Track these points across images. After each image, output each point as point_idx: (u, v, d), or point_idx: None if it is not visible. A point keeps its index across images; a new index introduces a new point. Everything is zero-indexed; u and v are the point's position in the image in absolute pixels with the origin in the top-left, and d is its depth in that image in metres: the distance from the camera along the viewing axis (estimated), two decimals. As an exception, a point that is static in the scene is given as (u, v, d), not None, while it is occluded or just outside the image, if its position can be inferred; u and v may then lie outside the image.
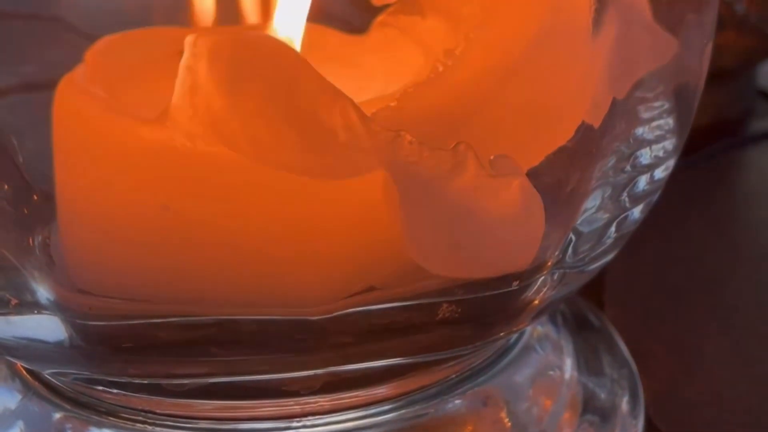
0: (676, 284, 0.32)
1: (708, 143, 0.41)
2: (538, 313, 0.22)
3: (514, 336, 0.24)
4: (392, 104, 0.19)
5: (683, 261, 0.34)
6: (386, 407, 0.22)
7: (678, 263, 0.33)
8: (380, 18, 0.25)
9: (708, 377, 0.27)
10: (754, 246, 0.35)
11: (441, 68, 0.20)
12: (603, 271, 0.30)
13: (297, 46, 0.22)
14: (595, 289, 0.30)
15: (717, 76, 0.43)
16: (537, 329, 0.25)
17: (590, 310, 0.28)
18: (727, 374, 0.28)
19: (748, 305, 0.31)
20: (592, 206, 0.21)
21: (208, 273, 0.19)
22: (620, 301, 0.30)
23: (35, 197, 0.21)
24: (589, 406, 0.24)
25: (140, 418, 0.22)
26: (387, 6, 0.24)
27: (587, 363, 0.25)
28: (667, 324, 0.30)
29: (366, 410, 0.22)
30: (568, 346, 0.25)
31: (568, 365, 0.25)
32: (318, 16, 0.24)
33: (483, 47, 0.20)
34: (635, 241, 0.25)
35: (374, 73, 0.24)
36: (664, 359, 0.28)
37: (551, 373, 0.24)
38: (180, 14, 0.25)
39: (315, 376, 0.20)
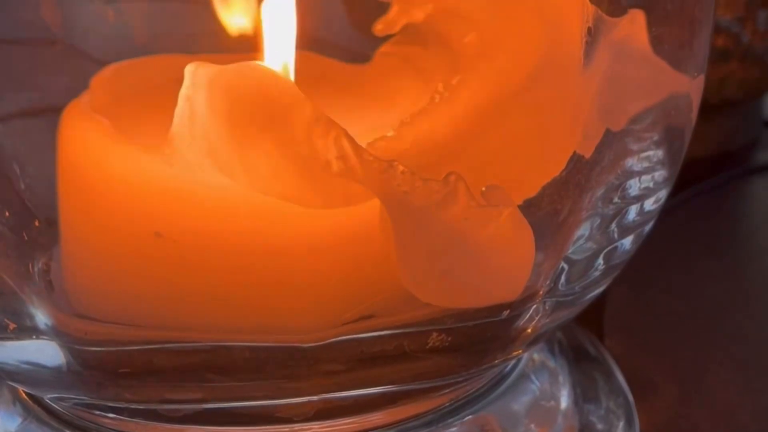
0: (677, 314, 0.32)
1: (713, 173, 0.42)
2: (532, 342, 0.22)
3: (510, 363, 0.24)
4: (389, 134, 0.19)
5: (685, 291, 0.34)
6: (381, 434, 0.22)
7: (680, 293, 0.33)
8: (383, 48, 0.25)
9: (709, 408, 0.27)
10: (758, 276, 0.35)
11: (438, 99, 0.20)
12: (603, 300, 0.30)
13: (291, 73, 0.22)
14: (594, 318, 0.30)
15: (722, 107, 0.43)
16: (533, 357, 0.25)
17: (587, 338, 0.28)
18: (728, 405, 0.28)
19: (751, 336, 0.31)
20: (581, 236, 0.21)
21: (202, 300, 0.19)
22: (621, 331, 0.30)
23: (36, 223, 0.22)
24: (584, 435, 0.24)
25: (137, 443, 0.22)
26: (391, 36, 0.25)
27: (583, 392, 0.25)
28: (668, 354, 0.30)
29: (360, 437, 0.22)
30: (564, 375, 0.25)
31: (564, 394, 0.25)
32: (323, 45, 0.25)
33: (480, 79, 0.20)
34: (637, 271, 0.26)
35: (375, 103, 0.24)
36: (664, 389, 0.28)
37: (547, 401, 0.24)
38: (187, 41, 0.25)
39: (308, 402, 0.20)
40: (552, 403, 0.24)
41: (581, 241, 0.21)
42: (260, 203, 0.18)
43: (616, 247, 0.22)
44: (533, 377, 0.25)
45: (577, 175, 0.21)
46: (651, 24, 0.21)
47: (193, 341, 0.20)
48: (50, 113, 0.21)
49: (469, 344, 0.21)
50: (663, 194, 0.23)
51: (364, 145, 0.18)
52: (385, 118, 0.23)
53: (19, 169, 0.21)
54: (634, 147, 0.22)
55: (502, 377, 0.24)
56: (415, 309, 0.20)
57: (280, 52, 0.22)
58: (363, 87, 0.25)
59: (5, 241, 0.21)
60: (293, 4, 0.22)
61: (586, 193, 0.21)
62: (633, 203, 0.22)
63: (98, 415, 0.22)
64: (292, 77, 0.22)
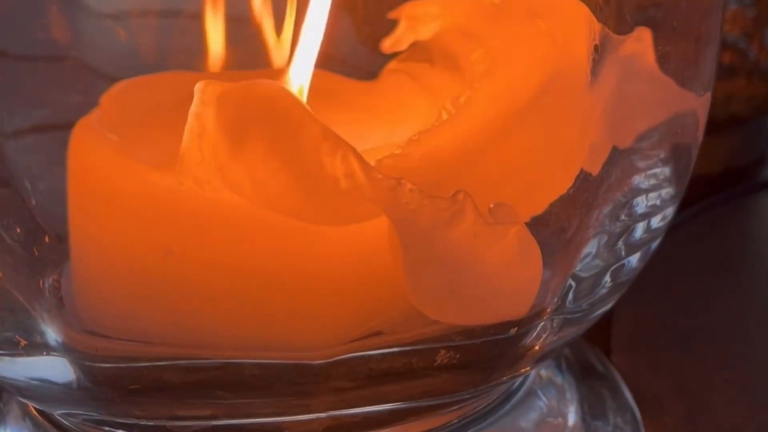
0: (684, 330, 0.32)
1: (720, 190, 0.41)
2: (540, 359, 0.22)
3: (518, 380, 0.24)
4: (397, 151, 0.19)
5: (692, 307, 0.33)
6: (389, 451, 0.22)
7: (687, 309, 0.33)
8: (391, 65, 0.25)
9: (716, 425, 0.27)
10: (765, 293, 0.35)
11: (445, 116, 0.20)
12: (610, 317, 0.30)
13: (305, 91, 0.23)
14: (601, 335, 0.30)
15: (728, 123, 0.43)
16: (541, 374, 0.25)
17: (595, 355, 0.28)
18: (735, 421, 0.28)
19: (757, 352, 0.31)
20: (588, 253, 0.21)
21: (212, 317, 0.19)
22: (627, 347, 0.30)
23: (47, 239, 0.22)
24: (592, 452, 0.24)
25: (146, 459, 0.22)
26: (398, 53, 0.25)
27: (591, 408, 0.25)
28: (675, 371, 0.30)
29: (368, 454, 0.22)
30: (571, 391, 0.25)
31: (572, 410, 0.25)
32: (331, 61, 0.25)
33: (487, 96, 0.20)
34: (644, 287, 0.25)
35: (383, 120, 0.24)
36: (671, 406, 0.28)
37: (555, 418, 0.24)
38: (197, 59, 0.26)
39: (317, 419, 0.20)
40: (559, 419, 0.24)
41: (588, 259, 0.22)
42: (269, 220, 0.19)
43: (623, 265, 0.22)
44: (540, 394, 0.25)
45: (585, 192, 0.21)
46: (657, 42, 0.21)
47: (203, 358, 0.20)
48: (61, 130, 0.22)
49: (477, 361, 0.21)
50: (670, 212, 0.23)
51: (371, 163, 0.18)
52: (392, 135, 0.23)
53: (30, 185, 0.21)
54: (641, 164, 0.22)
55: (510, 394, 0.24)
56: (424, 326, 0.20)
57: (294, 70, 0.22)
58: (371, 104, 0.25)
59: (16, 257, 0.21)
60: (313, 21, 0.22)
61: (594, 211, 0.21)
62: (640, 221, 0.22)
63: (108, 431, 0.22)
64: (305, 96, 0.22)
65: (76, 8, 0.25)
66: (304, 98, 0.22)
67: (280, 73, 0.23)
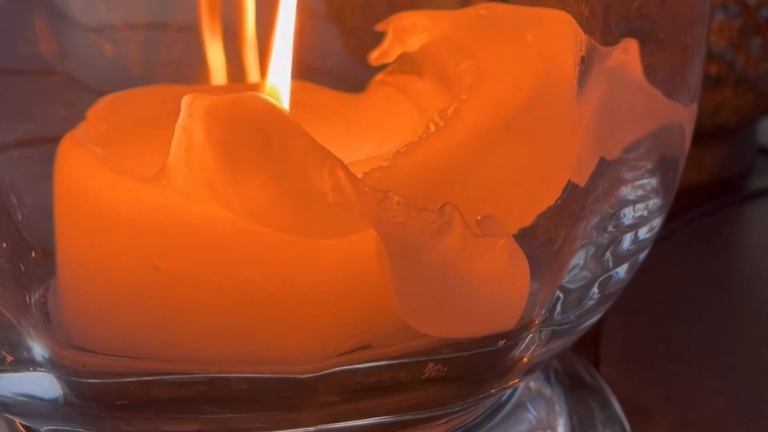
0: (673, 342, 0.32)
1: (708, 200, 0.42)
2: (528, 371, 0.22)
3: (507, 393, 0.24)
4: (384, 164, 0.19)
5: (681, 318, 0.34)
6: (378, 465, 0.22)
7: (676, 320, 0.33)
8: (378, 77, 0.25)
9: (705, 435, 0.27)
10: (753, 304, 0.35)
11: (433, 128, 0.20)
12: (598, 328, 0.30)
13: (285, 101, 0.23)
14: (590, 347, 0.30)
15: (716, 133, 0.44)
16: (530, 386, 0.25)
17: (584, 366, 0.28)
18: (725, 432, 0.28)
19: (747, 363, 0.31)
20: (576, 265, 0.21)
21: (199, 331, 0.19)
22: (616, 359, 0.30)
23: (33, 254, 0.22)
24: (581, 464, 0.24)
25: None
26: (386, 65, 0.25)
27: (580, 420, 0.25)
28: (663, 382, 0.30)
29: (358, 468, 0.22)
30: (560, 404, 0.25)
31: (561, 423, 0.25)
32: (318, 74, 0.25)
33: (475, 108, 0.20)
34: (632, 298, 0.25)
35: (371, 132, 0.24)
36: (660, 418, 0.28)
37: (544, 431, 0.24)
38: (184, 71, 0.26)
39: (305, 433, 0.20)
40: (548, 432, 0.24)
41: (576, 270, 0.22)
42: (256, 234, 0.18)
43: (610, 276, 0.22)
44: (529, 406, 0.25)
45: (572, 204, 0.21)
46: (644, 53, 0.21)
47: (190, 373, 0.20)
48: (47, 144, 0.21)
49: (465, 374, 0.21)
50: (657, 222, 0.23)
51: (359, 176, 0.18)
52: (380, 147, 0.23)
53: (16, 200, 0.21)
54: (628, 176, 0.22)
55: (499, 406, 0.24)
56: (411, 339, 0.20)
57: (275, 81, 0.22)
58: (358, 116, 0.25)
59: (2, 272, 0.21)
60: (290, 33, 0.22)
61: (581, 222, 0.21)
62: (627, 232, 0.22)
63: (94, 447, 0.22)
64: (286, 106, 0.22)
65: (63, 22, 0.25)
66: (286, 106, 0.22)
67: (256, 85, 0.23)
